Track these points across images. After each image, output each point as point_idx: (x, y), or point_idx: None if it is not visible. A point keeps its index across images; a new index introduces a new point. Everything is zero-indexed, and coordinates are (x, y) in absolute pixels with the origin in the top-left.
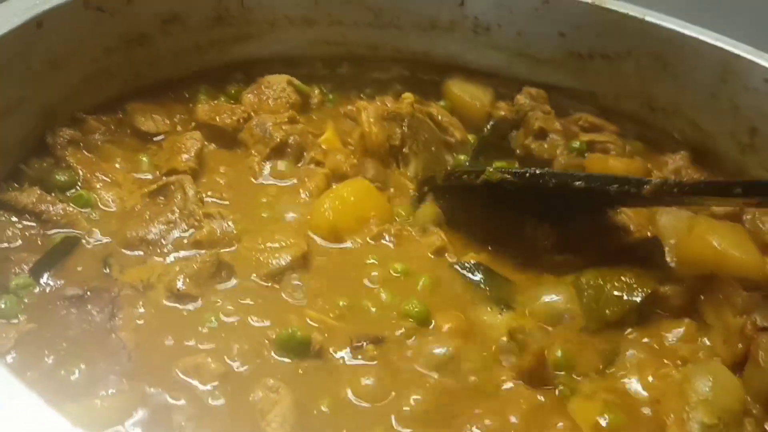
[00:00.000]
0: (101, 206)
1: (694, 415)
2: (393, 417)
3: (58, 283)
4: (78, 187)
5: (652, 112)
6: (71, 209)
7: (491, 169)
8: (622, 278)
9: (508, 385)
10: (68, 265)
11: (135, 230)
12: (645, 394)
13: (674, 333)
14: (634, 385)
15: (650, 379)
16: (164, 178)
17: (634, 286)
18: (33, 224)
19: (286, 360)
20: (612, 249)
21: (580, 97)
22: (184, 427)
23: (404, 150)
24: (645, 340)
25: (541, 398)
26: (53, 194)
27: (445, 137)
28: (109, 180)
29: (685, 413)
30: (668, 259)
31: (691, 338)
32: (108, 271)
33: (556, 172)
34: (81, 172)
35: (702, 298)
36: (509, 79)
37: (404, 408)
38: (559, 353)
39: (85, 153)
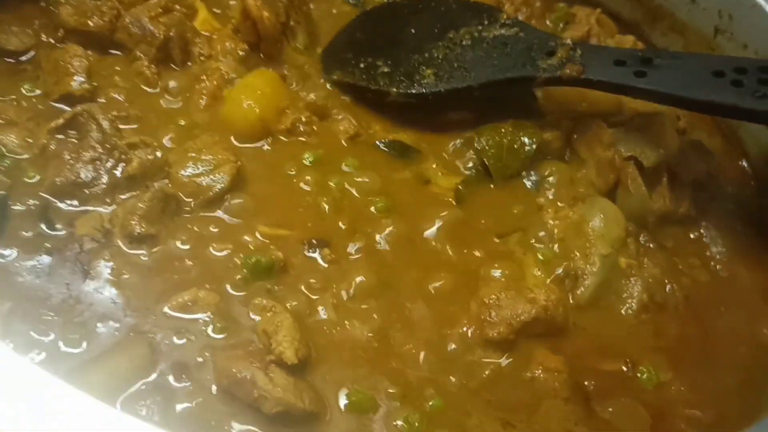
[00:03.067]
0: (8, 154)
1: (594, 250)
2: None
3: (10, 252)
4: None
5: None
6: None
7: (395, 91)
8: (513, 131)
9: None
10: (10, 232)
11: (62, 175)
12: (552, 235)
13: (559, 174)
14: (541, 228)
15: (551, 221)
16: (67, 108)
17: (525, 137)
18: None
19: (261, 281)
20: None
21: None
22: (203, 361)
23: (290, 23)
24: (545, 185)
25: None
26: None
27: None
28: (2, 121)
29: (587, 248)
30: (539, 96)
31: (572, 175)
32: (56, 227)
33: (454, 87)
34: None
35: (575, 137)
36: None
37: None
38: None
39: None
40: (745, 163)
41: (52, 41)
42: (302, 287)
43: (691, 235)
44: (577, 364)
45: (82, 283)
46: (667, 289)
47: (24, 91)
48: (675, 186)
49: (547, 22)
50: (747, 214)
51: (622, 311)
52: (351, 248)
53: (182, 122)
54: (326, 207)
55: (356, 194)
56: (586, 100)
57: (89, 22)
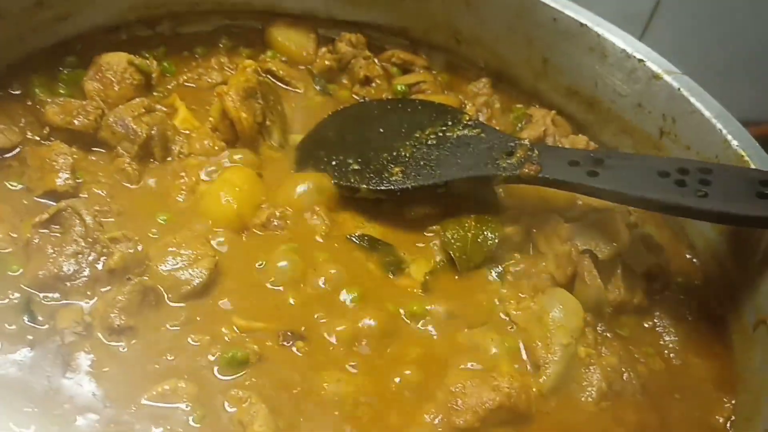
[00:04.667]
0: None
1: (555, 339)
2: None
3: None
4: None
5: (457, 44)
6: None
7: (365, 187)
8: (476, 226)
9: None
10: None
11: (44, 269)
12: (514, 325)
13: (520, 266)
14: (504, 318)
15: (514, 312)
16: (50, 203)
17: (487, 231)
18: None
19: (237, 374)
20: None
21: (393, 31)
22: None
23: (267, 123)
24: (507, 277)
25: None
26: None
27: (287, 90)
28: None
29: (548, 338)
30: (500, 192)
31: (532, 267)
32: (38, 320)
33: (420, 184)
34: None
35: (535, 231)
36: (327, 20)
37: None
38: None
39: None
40: (692, 256)
41: (38, 138)
42: (278, 378)
43: (645, 325)
44: None
45: (63, 376)
46: (624, 377)
47: (9, 187)
48: (628, 277)
49: (506, 122)
50: (696, 304)
51: (583, 399)
52: (324, 339)
53: (162, 217)
54: (296, 301)
55: (328, 287)
56: (544, 196)
57: (75, 120)
